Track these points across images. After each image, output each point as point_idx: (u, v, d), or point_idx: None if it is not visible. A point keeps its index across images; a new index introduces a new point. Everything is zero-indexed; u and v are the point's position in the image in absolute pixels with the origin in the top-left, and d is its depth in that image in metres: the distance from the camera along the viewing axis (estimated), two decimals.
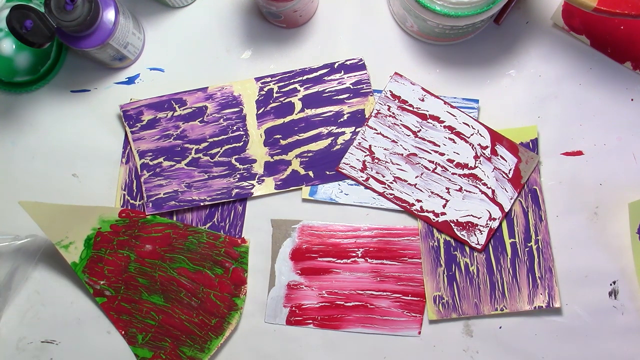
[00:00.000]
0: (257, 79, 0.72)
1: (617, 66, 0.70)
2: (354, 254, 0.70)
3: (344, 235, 0.71)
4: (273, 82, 0.71)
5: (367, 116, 0.70)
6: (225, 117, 0.71)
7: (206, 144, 0.71)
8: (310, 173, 0.71)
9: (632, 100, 0.70)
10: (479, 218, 0.69)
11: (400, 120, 0.70)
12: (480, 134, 0.69)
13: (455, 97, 0.70)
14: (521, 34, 0.71)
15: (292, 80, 0.71)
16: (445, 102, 0.70)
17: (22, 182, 0.73)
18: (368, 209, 0.71)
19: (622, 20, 0.69)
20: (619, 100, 0.70)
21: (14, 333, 0.72)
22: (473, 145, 0.69)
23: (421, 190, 0.69)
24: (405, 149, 0.70)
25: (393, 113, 0.70)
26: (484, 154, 0.69)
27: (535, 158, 0.69)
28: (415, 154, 0.70)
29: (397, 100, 0.70)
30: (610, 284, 0.69)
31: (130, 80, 0.73)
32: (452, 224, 0.69)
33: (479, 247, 0.68)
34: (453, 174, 0.69)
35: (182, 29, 0.73)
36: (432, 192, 0.69)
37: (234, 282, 0.71)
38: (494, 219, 0.69)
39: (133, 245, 0.71)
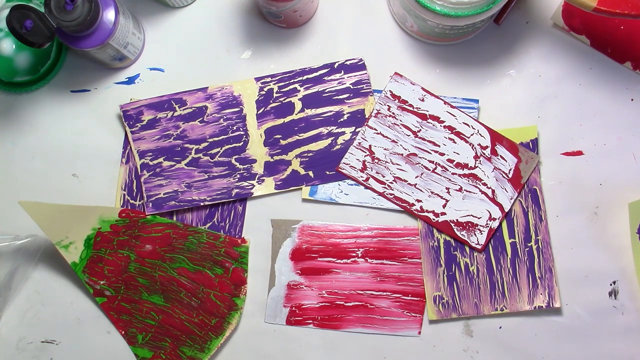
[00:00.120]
0: (257, 79, 0.72)
1: (617, 66, 0.70)
2: (354, 254, 0.70)
3: (344, 235, 0.71)
4: (273, 82, 0.71)
5: (367, 116, 0.70)
6: (225, 117, 0.71)
7: (206, 144, 0.71)
8: (310, 173, 0.71)
9: (632, 100, 0.70)
10: (479, 218, 0.69)
11: (400, 120, 0.70)
12: (480, 134, 0.69)
13: (455, 97, 0.70)
14: (521, 34, 0.71)
15: (292, 80, 0.71)
16: (445, 102, 0.70)
17: (22, 182, 0.73)
18: (368, 209, 0.71)
19: (622, 20, 0.69)
20: (619, 100, 0.70)
21: (14, 333, 0.72)
22: (473, 145, 0.69)
23: (421, 190, 0.69)
24: (405, 149, 0.70)
25: (393, 113, 0.70)
26: (484, 154, 0.69)
27: (535, 158, 0.69)
28: (415, 154, 0.70)
29: (397, 100, 0.70)
30: (610, 284, 0.69)
31: (130, 80, 0.73)
32: (452, 224, 0.69)
33: (479, 247, 0.68)
34: (453, 174, 0.69)
35: (182, 29, 0.73)
36: (432, 192, 0.69)
37: (234, 282, 0.71)
38: (494, 219, 0.69)
39: (133, 245, 0.71)
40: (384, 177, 0.70)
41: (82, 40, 0.65)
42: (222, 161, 0.71)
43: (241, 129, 0.71)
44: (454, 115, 0.69)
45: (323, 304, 0.70)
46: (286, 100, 0.71)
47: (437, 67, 0.71)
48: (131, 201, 0.72)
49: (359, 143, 0.70)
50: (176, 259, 0.71)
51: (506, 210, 0.69)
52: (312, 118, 0.71)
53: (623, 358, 0.68)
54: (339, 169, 0.70)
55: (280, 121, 0.71)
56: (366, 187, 0.70)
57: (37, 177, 0.73)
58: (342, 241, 0.70)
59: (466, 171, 0.69)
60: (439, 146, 0.69)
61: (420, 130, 0.70)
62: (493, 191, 0.69)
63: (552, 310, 0.69)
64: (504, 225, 0.69)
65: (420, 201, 0.69)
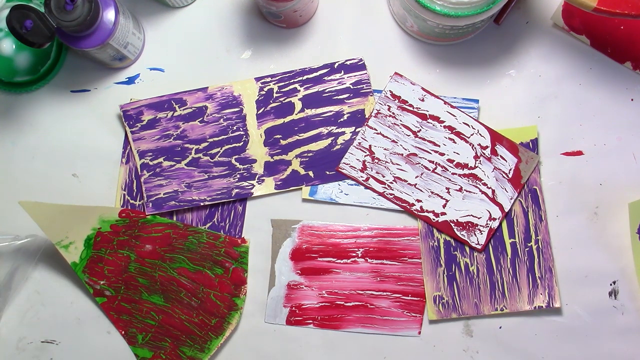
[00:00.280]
0: (257, 79, 0.72)
1: (617, 66, 0.70)
2: (354, 254, 0.70)
3: (344, 235, 0.71)
4: (273, 82, 0.71)
5: (367, 116, 0.70)
6: (225, 117, 0.71)
7: (206, 144, 0.71)
8: (310, 173, 0.71)
9: (632, 100, 0.70)
10: (479, 218, 0.69)
11: (400, 120, 0.70)
12: (480, 134, 0.69)
13: (455, 97, 0.70)
14: (521, 34, 0.71)
15: (292, 80, 0.71)
16: (445, 102, 0.70)
17: (22, 182, 0.73)
18: (368, 209, 0.71)
19: (622, 20, 0.69)
20: (619, 100, 0.70)
21: (14, 333, 0.72)
22: (473, 145, 0.69)
23: (421, 190, 0.69)
24: (405, 149, 0.70)
25: (393, 113, 0.70)
26: (484, 154, 0.69)
27: (535, 158, 0.69)
28: (415, 154, 0.70)
29: (397, 100, 0.70)
30: (610, 284, 0.69)
31: (130, 80, 0.73)
32: (452, 224, 0.69)
33: (479, 247, 0.68)
34: (453, 174, 0.69)
35: (182, 29, 0.73)
36: (432, 192, 0.69)
37: (234, 282, 0.71)
38: (494, 219, 0.69)
39: (133, 245, 0.71)
40: (384, 177, 0.70)
41: (82, 40, 0.65)
42: (222, 161, 0.71)
43: (241, 129, 0.71)
44: (454, 115, 0.69)
45: (323, 304, 0.70)
46: (286, 100, 0.71)
47: (437, 67, 0.71)
48: (131, 201, 0.72)
49: (359, 143, 0.70)
50: (176, 259, 0.71)
51: (506, 210, 0.69)
52: (312, 118, 0.71)
53: (623, 358, 0.68)
54: (339, 169, 0.70)
55: (280, 121, 0.71)
56: (366, 187, 0.70)
57: (37, 177, 0.73)
58: (342, 241, 0.70)
59: (466, 171, 0.69)
60: (439, 146, 0.69)
61: (420, 130, 0.70)
62: (493, 191, 0.69)
63: (552, 310, 0.69)
64: (504, 225, 0.69)
65: (420, 201, 0.69)
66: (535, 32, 0.71)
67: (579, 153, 0.70)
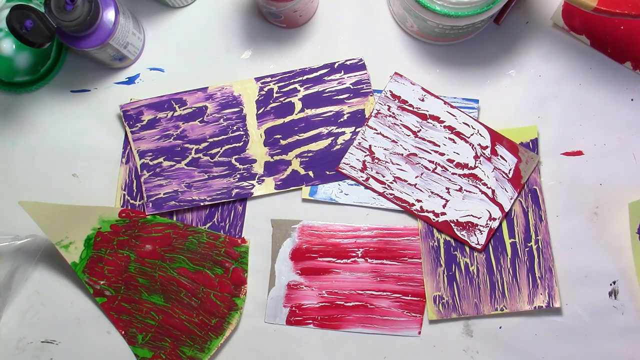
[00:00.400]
0: (257, 79, 0.72)
1: (617, 66, 0.70)
2: (354, 254, 0.70)
3: (344, 235, 0.71)
4: (273, 82, 0.71)
5: (367, 116, 0.70)
6: (225, 117, 0.71)
7: (206, 144, 0.71)
8: (310, 173, 0.71)
9: (632, 100, 0.70)
10: (479, 218, 0.69)
11: (400, 120, 0.70)
12: (480, 134, 0.69)
13: (455, 97, 0.70)
14: (521, 34, 0.71)
15: (292, 80, 0.71)
16: (445, 102, 0.70)
17: (22, 182, 0.73)
18: (368, 209, 0.71)
19: (622, 20, 0.69)
20: (619, 100, 0.70)
21: (14, 333, 0.72)
22: (473, 145, 0.69)
23: (421, 190, 0.69)
24: (405, 149, 0.70)
25: (393, 113, 0.70)
26: (484, 154, 0.69)
27: (535, 158, 0.69)
28: (415, 154, 0.70)
29: (397, 100, 0.70)
30: (610, 284, 0.69)
31: (130, 80, 0.73)
32: (452, 224, 0.69)
33: (479, 247, 0.68)
34: (453, 174, 0.69)
35: (182, 29, 0.73)
36: (432, 192, 0.69)
37: (234, 282, 0.71)
38: (494, 219, 0.69)
39: (133, 245, 0.71)
40: (384, 177, 0.70)
41: (82, 40, 0.65)
42: (222, 161, 0.71)
43: (241, 129, 0.71)
44: (454, 115, 0.69)
45: (323, 304, 0.70)
46: (286, 100, 0.71)
47: (437, 67, 0.71)
48: (131, 201, 0.72)
49: (359, 143, 0.70)
50: (176, 259, 0.71)
51: (506, 210, 0.69)
52: (312, 118, 0.71)
53: (623, 358, 0.68)
54: (339, 169, 0.70)
55: (280, 121, 0.71)
56: (366, 187, 0.70)
57: (37, 177, 0.73)
58: (342, 241, 0.70)
59: (466, 171, 0.69)
60: (439, 146, 0.69)
61: (420, 130, 0.70)
62: (493, 191, 0.69)
63: (552, 310, 0.69)
64: (504, 225, 0.69)
65: (420, 201, 0.69)
66: (535, 32, 0.71)
67: (579, 153, 0.70)
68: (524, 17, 0.71)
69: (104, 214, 0.70)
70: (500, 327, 0.69)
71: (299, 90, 0.71)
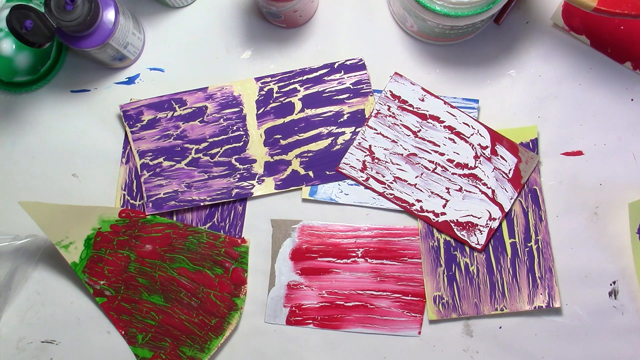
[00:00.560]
0: (257, 79, 0.72)
1: (617, 66, 0.70)
2: (354, 254, 0.70)
3: (344, 235, 0.71)
4: (273, 82, 0.71)
5: (367, 116, 0.70)
6: (225, 117, 0.71)
7: (206, 144, 0.71)
8: (310, 173, 0.71)
9: (632, 100, 0.70)
10: (479, 218, 0.69)
11: (400, 120, 0.70)
12: (480, 134, 0.69)
13: (455, 97, 0.70)
14: (521, 34, 0.71)
15: (292, 80, 0.71)
16: (445, 102, 0.70)
17: (22, 182, 0.73)
18: (368, 209, 0.71)
19: (622, 20, 0.69)
20: (619, 100, 0.70)
21: (14, 333, 0.72)
22: (473, 145, 0.69)
23: (421, 190, 0.69)
24: (405, 149, 0.70)
25: (393, 113, 0.70)
26: (484, 154, 0.69)
27: (535, 158, 0.69)
28: (415, 154, 0.70)
29: (397, 100, 0.70)
30: (610, 284, 0.69)
31: (130, 80, 0.73)
32: (452, 224, 0.69)
33: (479, 247, 0.68)
34: (453, 174, 0.69)
35: (182, 29, 0.73)
36: (432, 192, 0.69)
37: (234, 282, 0.71)
38: (494, 219, 0.69)
39: (133, 245, 0.71)
40: (384, 177, 0.70)
41: (82, 40, 0.65)
42: (222, 161, 0.71)
43: (241, 129, 0.71)
44: (454, 115, 0.69)
45: (323, 304, 0.70)
46: (286, 100, 0.71)
47: (437, 67, 0.71)
48: (131, 201, 0.72)
49: (359, 143, 0.70)
50: (176, 259, 0.71)
51: (506, 210, 0.69)
52: (312, 118, 0.71)
53: (623, 358, 0.68)
54: (339, 169, 0.70)
55: (280, 121, 0.71)
56: (366, 187, 0.70)
57: (37, 177, 0.73)
58: (342, 241, 0.70)
59: (466, 171, 0.69)
60: (439, 146, 0.69)
61: (420, 130, 0.70)
62: (493, 191, 0.69)
63: (552, 310, 0.69)
64: (504, 225, 0.69)
65: (420, 201, 0.69)
66: (535, 32, 0.71)
67: (579, 153, 0.70)
68: (524, 17, 0.71)
69: (104, 214, 0.70)
70: (500, 327, 0.69)
71: (299, 90, 0.71)
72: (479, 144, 0.69)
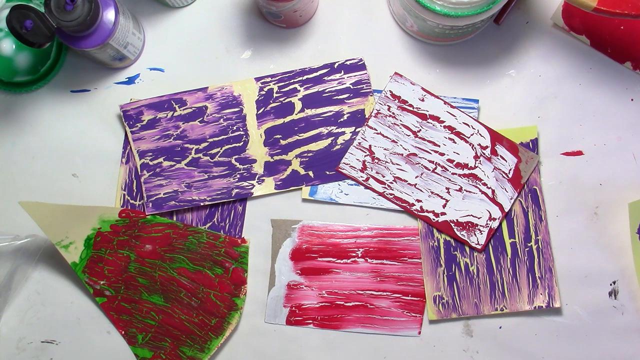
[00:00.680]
0: (257, 79, 0.72)
1: (617, 66, 0.70)
2: (354, 254, 0.70)
3: (344, 235, 0.71)
4: (273, 82, 0.71)
5: (367, 116, 0.70)
6: (225, 117, 0.71)
7: (206, 144, 0.71)
8: (310, 173, 0.71)
9: (632, 100, 0.70)
10: (479, 218, 0.69)
11: (400, 120, 0.70)
12: (480, 134, 0.69)
13: (455, 97, 0.70)
14: (521, 34, 0.71)
15: (292, 80, 0.71)
16: (445, 102, 0.70)
17: (22, 182, 0.73)
18: (368, 209, 0.71)
19: (622, 20, 0.69)
20: (619, 100, 0.70)
21: (14, 333, 0.72)
22: (473, 145, 0.69)
23: (421, 190, 0.69)
24: (405, 149, 0.70)
25: (393, 113, 0.70)
26: (484, 154, 0.69)
27: (535, 158, 0.69)
28: (415, 154, 0.70)
29: (397, 100, 0.70)
30: (610, 284, 0.69)
31: (130, 80, 0.73)
32: (452, 224, 0.69)
33: (479, 247, 0.68)
34: (453, 174, 0.69)
35: (182, 29, 0.73)
36: (432, 192, 0.69)
37: (234, 282, 0.71)
38: (494, 219, 0.69)
39: (133, 245, 0.71)
40: (384, 177, 0.70)
41: (82, 40, 0.65)
42: (222, 161, 0.71)
43: (241, 129, 0.71)
44: (454, 115, 0.69)
45: (323, 304, 0.70)
46: (286, 100, 0.71)
47: (437, 67, 0.71)
48: (131, 201, 0.72)
49: (359, 143, 0.70)
50: (176, 259, 0.71)
51: (506, 210, 0.69)
52: (312, 118, 0.71)
53: (623, 358, 0.68)
54: (339, 169, 0.70)
55: (280, 121, 0.71)
56: (366, 187, 0.70)
57: (37, 177, 0.73)
58: (342, 241, 0.70)
59: (466, 171, 0.69)
60: (439, 146, 0.69)
61: (420, 130, 0.70)
62: (493, 191, 0.69)
63: (552, 310, 0.69)
64: (504, 225, 0.69)
65: (420, 201, 0.69)
66: (535, 32, 0.71)
67: (579, 153, 0.70)
68: (524, 17, 0.71)
69: (104, 214, 0.70)
70: (500, 327, 0.69)
71: (299, 90, 0.71)
72: (479, 144, 0.69)
